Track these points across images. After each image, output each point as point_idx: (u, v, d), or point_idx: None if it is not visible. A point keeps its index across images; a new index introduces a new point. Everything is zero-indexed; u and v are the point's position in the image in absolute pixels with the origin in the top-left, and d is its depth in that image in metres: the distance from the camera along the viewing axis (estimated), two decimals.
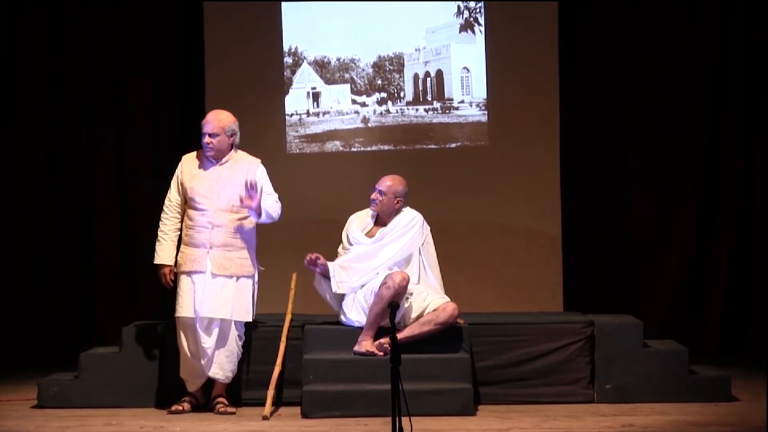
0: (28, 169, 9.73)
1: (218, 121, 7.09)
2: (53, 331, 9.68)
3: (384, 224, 7.37)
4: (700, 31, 9.54)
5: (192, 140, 9.24)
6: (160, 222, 7.16)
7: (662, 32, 9.59)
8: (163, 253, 7.12)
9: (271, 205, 7.09)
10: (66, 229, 9.77)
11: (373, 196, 7.36)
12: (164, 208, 7.16)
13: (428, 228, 7.42)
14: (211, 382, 7.13)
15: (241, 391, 7.25)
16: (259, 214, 6.98)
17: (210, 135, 7.06)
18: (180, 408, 7.03)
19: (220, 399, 7.10)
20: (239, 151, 7.19)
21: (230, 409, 7.05)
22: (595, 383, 7.24)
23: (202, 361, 7.01)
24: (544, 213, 9.55)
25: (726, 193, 9.51)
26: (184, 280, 7.03)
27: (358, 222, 7.44)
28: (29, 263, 9.70)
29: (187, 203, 7.10)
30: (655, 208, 9.63)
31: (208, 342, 7.00)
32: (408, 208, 7.42)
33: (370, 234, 7.38)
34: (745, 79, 9.49)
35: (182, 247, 7.09)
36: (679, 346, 7.51)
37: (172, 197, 7.15)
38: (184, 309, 6.99)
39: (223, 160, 7.11)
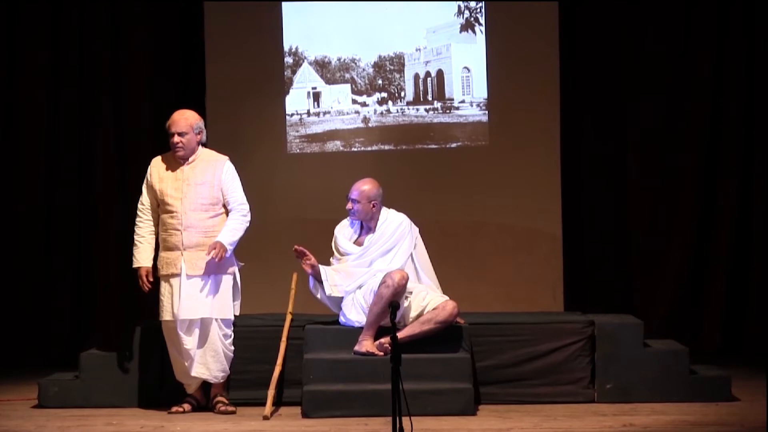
0: (28, 170, 9.72)
1: (185, 119, 7.08)
2: (53, 331, 9.68)
3: (370, 230, 7.34)
4: (700, 31, 9.54)
5: None
6: (135, 226, 7.19)
7: (662, 32, 9.59)
8: (140, 256, 7.14)
9: (237, 226, 7.06)
10: (66, 230, 9.77)
11: (348, 206, 7.30)
12: (137, 212, 7.20)
13: (416, 229, 7.38)
14: (209, 383, 7.13)
15: (241, 390, 7.25)
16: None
17: (179, 134, 7.04)
18: (180, 409, 7.03)
19: (220, 399, 7.11)
20: (206, 149, 7.18)
21: (230, 409, 7.05)
22: (596, 383, 7.24)
23: (186, 363, 7.02)
24: (545, 213, 9.55)
25: (726, 193, 9.50)
26: (163, 284, 7.05)
27: (344, 232, 7.41)
28: (29, 263, 9.70)
29: (159, 207, 7.11)
30: (655, 208, 9.63)
31: (189, 343, 6.99)
32: (392, 210, 7.37)
33: (358, 242, 7.36)
34: (744, 79, 9.49)
35: (159, 251, 7.11)
36: (679, 345, 7.51)
37: (144, 200, 7.18)
38: (165, 313, 7.01)
39: (191, 159, 7.10)
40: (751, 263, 9.47)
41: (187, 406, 7.06)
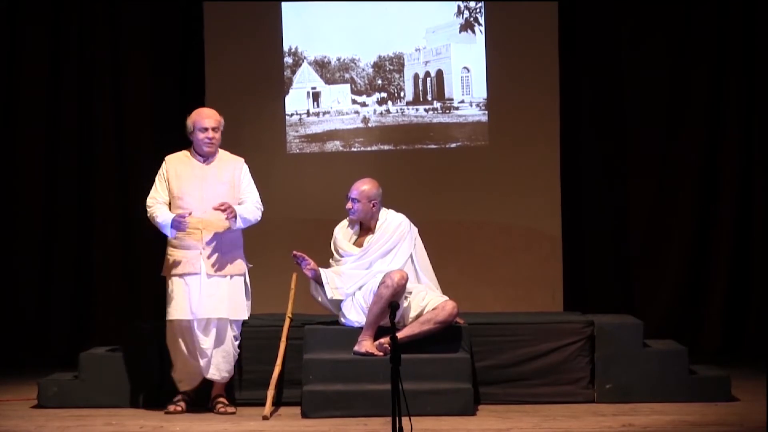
0: (28, 169, 9.73)
1: (216, 115, 7.12)
2: (53, 331, 9.68)
3: (369, 230, 7.34)
4: (700, 30, 9.53)
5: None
6: (149, 210, 7.03)
7: (662, 32, 9.59)
8: (166, 214, 6.98)
9: (250, 210, 7.09)
10: (66, 229, 9.77)
11: (348, 206, 7.29)
12: (148, 202, 7.05)
13: (416, 229, 7.38)
14: (205, 382, 7.13)
15: (241, 391, 7.25)
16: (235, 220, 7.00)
17: (213, 129, 7.06)
18: (178, 408, 7.02)
19: (221, 399, 7.11)
20: (222, 150, 7.21)
21: (230, 409, 7.05)
22: (595, 383, 7.24)
23: (202, 363, 7.01)
24: (544, 213, 9.55)
25: (726, 193, 9.50)
26: (176, 282, 7.00)
27: (344, 233, 7.40)
28: (29, 263, 9.70)
29: (172, 204, 7.08)
30: (655, 208, 9.63)
31: (206, 343, 6.99)
32: (391, 211, 7.37)
33: (358, 243, 7.36)
34: (744, 78, 9.49)
35: (170, 249, 7.03)
36: (678, 345, 7.51)
37: (159, 197, 7.08)
38: (178, 311, 6.97)
39: (210, 158, 7.11)
40: (751, 263, 9.47)
41: (182, 405, 7.05)
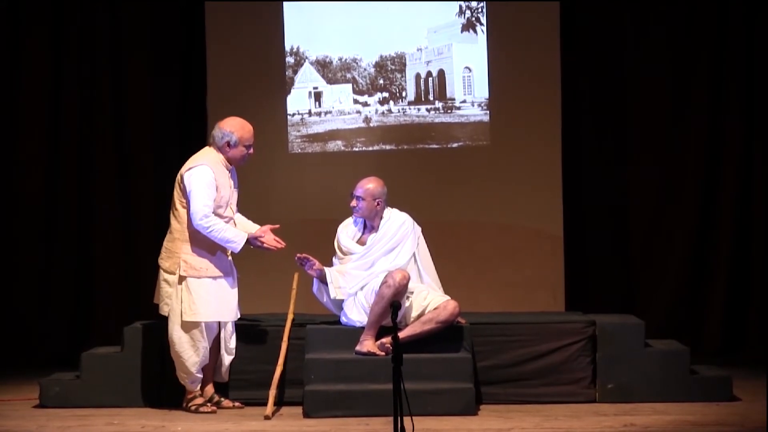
0: (28, 169, 9.72)
1: None
2: (54, 331, 9.68)
3: (372, 228, 7.35)
4: (701, 30, 9.54)
5: (192, 141, 9.27)
6: (208, 222, 6.83)
7: (663, 32, 9.59)
8: (239, 233, 6.95)
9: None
10: (66, 229, 9.77)
11: (352, 203, 7.30)
12: (206, 212, 6.84)
13: (419, 229, 7.38)
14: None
15: (242, 390, 7.26)
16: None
17: (253, 147, 7.12)
18: (214, 409, 7.05)
19: (219, 396, 7.19)
20: None
21: (237, 404, 7.15)
22: (597, 383, 7.24)
23: (226, 363, 7.12)
24: (546, 213, 9.55)
25: (726, 193, 9.51)
26: (209, 284, 6.94)
27: (347, 231, 7.41)
28: (29, 263, 9.70)
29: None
30: (656, 208, 9.63)
31: (232, 343, 7.14)
32: (395, 210, 7.37)
33: (361, 241, 7.37)
34: (745, 78, 9.49)
35: (204, 252, 6.94)
36: (680, 345, 7.52)
37: (210, 208, 6.92)
38: (211, 313, 6.97)
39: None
40: (752, 263, 9.48)
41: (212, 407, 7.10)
